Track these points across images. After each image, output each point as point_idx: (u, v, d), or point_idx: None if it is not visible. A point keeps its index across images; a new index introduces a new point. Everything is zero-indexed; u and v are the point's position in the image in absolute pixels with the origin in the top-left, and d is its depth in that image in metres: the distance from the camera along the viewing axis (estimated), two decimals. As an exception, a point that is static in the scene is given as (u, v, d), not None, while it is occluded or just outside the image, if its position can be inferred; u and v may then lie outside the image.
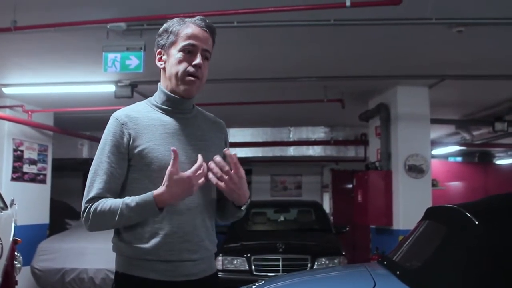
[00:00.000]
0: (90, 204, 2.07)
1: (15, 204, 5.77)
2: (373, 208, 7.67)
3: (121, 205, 2.02)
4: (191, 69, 2.14)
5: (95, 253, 7.17)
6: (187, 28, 2.16)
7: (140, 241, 2.08)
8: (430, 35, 5.40)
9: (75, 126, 10.07)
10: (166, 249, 2.07)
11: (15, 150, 8.33)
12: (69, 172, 13.56)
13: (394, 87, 7.69)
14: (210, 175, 2.10)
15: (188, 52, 2.15)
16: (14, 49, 5.88)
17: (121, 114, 2.17)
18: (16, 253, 5.41)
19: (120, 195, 2.12)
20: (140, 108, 2.22)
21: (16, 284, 5.46)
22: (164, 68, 2.22)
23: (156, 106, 2.23)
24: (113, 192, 2.10)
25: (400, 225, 7.36)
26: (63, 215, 10.69)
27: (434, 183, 8.79)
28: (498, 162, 13.06)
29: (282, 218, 10.14)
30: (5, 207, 5.53)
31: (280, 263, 7.01)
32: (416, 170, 7.49)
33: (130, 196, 2.07)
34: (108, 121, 2.18)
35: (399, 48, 5.98)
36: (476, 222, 2.78)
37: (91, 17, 4.78)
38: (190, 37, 2.15)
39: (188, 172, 2.01)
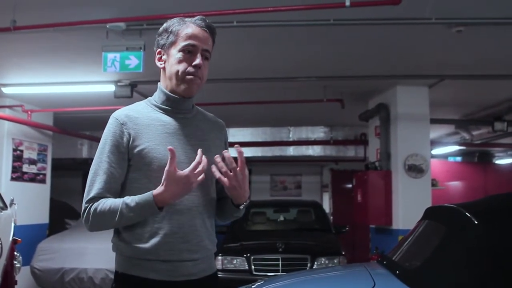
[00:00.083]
0: (90, 204, 2.07)
1: (14, 204, 5.76)
2: (373, 208, 7.67)
3: (121, 205, 2.03)
4: (191, 69, 2.14)
5: (94, 253, 7.17)
6: (187, 28, 2.16)
7: (140, 241, 2.08)
8: (429, 35, 5.40)
9: (74, 126, 10.07)
10: (166, 249, 2.07)
11: (14, 150, 8.33)
12: (69, 172, 13.55)
13: (394, 87, 7.69)
14: (214, 169, 2.10)
15: (188, 52, 2.15)
16: (14, 49, 5.88)
17: (120, 114, 2.17)
18: (15, 253, 5.41)
19: (120, 195, 2.12)
20: (139, 108, 2.22)
21: (16, 284, 5.46)
22: (164, 68, 2.22)
23: (155, 106, 2.23)
24: (113, 192, 2.11)
25: (399, 225, 7.36)
26: (63, 215, 10.70)
27: (434, 183, 8.79)
28: (498, 162, 13.07)
29: (281, 218, 10.14)
30: (4, 207, 5.53)
31: (280, 263, 7.01)
32: (415, 170, 7.49)
33: (130, 195, 2.08)
34: (107, 121, 2.18)
35: (399, 48, 5.98)
36: (476, 222, 2.78)
37: (91, 17, 4.78)
38: (190, 37, 2.15)
39: (186, 170, 2.01)
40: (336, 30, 5.29)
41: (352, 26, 5.04)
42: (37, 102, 8.47)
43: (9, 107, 8.18)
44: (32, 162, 8.71)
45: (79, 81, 7.17)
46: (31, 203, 8.38)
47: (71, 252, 7.48)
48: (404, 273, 3.02)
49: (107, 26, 4.90)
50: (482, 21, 4.89)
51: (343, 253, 7.29)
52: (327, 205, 14.33)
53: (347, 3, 4.22)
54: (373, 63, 6.59)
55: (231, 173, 2.10)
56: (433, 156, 9.55)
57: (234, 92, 7.98)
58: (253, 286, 3.50)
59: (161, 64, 2.23)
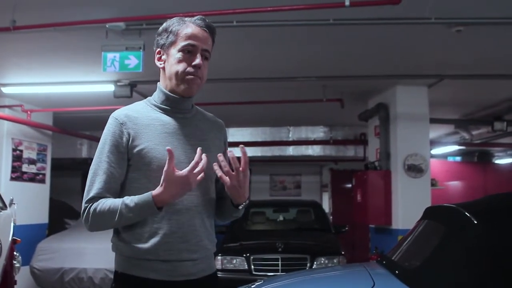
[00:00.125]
0: (90, 204, 2.07)
1: (14, 203, 5.76)
2: (372, 207, 7.67)
3: (120, 205, 2.02)
4: (190, 69, 2.14)
5: (94, 253, 7.16)
6: (187, 28, 2.16)
7: (140, 241, 2.08)
8: (429, 34, 5.40)
9: (74, 126, 10.06)
10: (165, 248, 2.07)
11: (14, 150, 8.33)
12: (69, 172, 13.54)
13: (393, 86, 7.69)
14: (216, 167, 2.11)
15: (188, 52, 2.15)
16: (13, 48, 5.88)
17: (120, 113, 2.17)
18: (15, 253, 5.41)
19: (120, 195, 2.12)
20: (139, 108, 2.22)
21: (15, 283, 5.46)
22: (163, 68, 2.22)
23: (155, 105, 2.23)
24: (113, 191, 2.11)
25: (399, 224, 7.36)
26: (62, 214, 10.69)
27: (433, 183, 8.79)
28: (497, 161, 13.07)
29: (281, 218, 10.14)
30: (4, 207, 5.53)
31: (279, 262, 7.01)
32: (415, 169, 7.50)
33: (130, 195, 2.08)
34: (107, 120, 2.18)
35: (398, 48, 5.98)
36: (475, 222, 2.78)
37: (90, 17, 4.78)
38: (190, 37, 2.15)
39: (185, 171, 2.00)
40: (335, 30, 5.28)
41: (352, 26, 5.04)
42: (36, 102, 8.47)
43: (9, 106, 8.18)
44: (31, 162, 8.71)
45: (78, 81, 7.16)
46: (31, 203, 8.37)
47: (70, 252, 7.48)
48: (404, 272, 3.02)
49: (107, 26, 4.90)
50: (482, 21, 4.89)
51: (343, 253, 7.29)
52: (326, 205, 14.33)
53: (347, 3, 4.22)
54: (373, 63, 6.59)
55: (233, 173, 2.10)
56: (432, 156, 9.55)
57: (234, 92, 7.98)
58: (252, 286, 3.50)
59: (160, 64, 2.23)
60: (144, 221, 2.07)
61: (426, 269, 2.90)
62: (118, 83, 7.08)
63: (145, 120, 2.16)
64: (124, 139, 2.12)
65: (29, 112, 8.26)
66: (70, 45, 5.71)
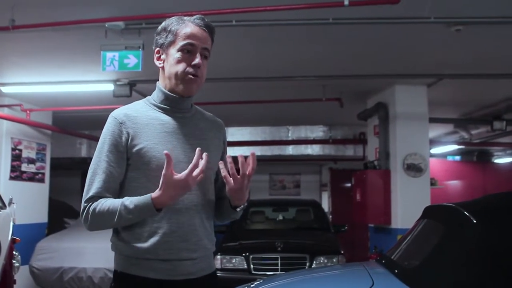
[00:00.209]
0: (90, 204, 2.07)
1: (13, 203, 5.76)
2: (372, 207, 7.67)
3: (120, 206, 2.02)
4: (190, 69, 2.14)
5: (93, 252, 7.16)
6: (186, 28, 2.16)
7: (139, 240, 2.08)
8: (428, 34, 5.40)
9: (73, 125, 10.06)
10: (165, 248, 2.07)
11: (13, 149, 8.32)
12: (68, 171, 13.55)
13: (393, 86, 7.69)
14: (221, 166, 2.11)
15: (187, 52, 2.15)
16: (12, 48, 5.87)
17: (119, 113, 2.17)
18: (14, 252, 5.41)
19: (119, 194, 2.13)
20: (138, 107, 2.22)
21: (15, 283, 5.46)
22: (162, 67, 2.22)
23: (154, 105, 2.22)
24: (112, 191, 2.11)
25: (398, 224, 7.36)
26: (62, 214, 10.68)
27: (433, 182, 8.80)
28: (497, 161, 13.07)
29: (280, 217, 10.14)
30: (3, 206, 5.53)
31: (279, 262, 7.01)
32: (414, 169, 7.50)
33: (129, 195, 2.08)
34: (106, 120, 2.18)
35: (398, 47, 5.98)
36: (475, 221, 2.78)
37: (89, 16, 4.78)
38: (189, 36, 2.14)
39: (184, 174, 1.99)
40: (335, 30, 5.29)
41: (351, 25, 5.04)
42: (36, 101, 8.47)
43: (8, 106, 8.18)
44: (31, 161, 8.71)
45: (78, 80, 7.16)
46: (30, 203, 8.37)
47: (70, 251, 7.48)
48: (403, 272, 3.02)
49: (106, 25, 4.90)
50: (481, 20, 4.89)
51: (342, 252, 7.29)
52: (326, 204, 14.34)
53: (346, 2, 4.22)
54: (372, 62, 6.59)
55: (239, 176, 2.10)
56: (432, 155, 9.55)
57: (233, 92, 7.98)
58: (252, 285, 3.50)
59: (159, 64, 2.23)
60: (144, 220, 2.07)
61: (425, 268, 2.90)
62: (118, 83, 7.08)
63: (145, 120, 2.16)
64: (124, 138, 2.12)
65: (28, 112, 8.26)
66: (69, 45, 5.70)
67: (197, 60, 2.14)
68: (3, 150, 8.16)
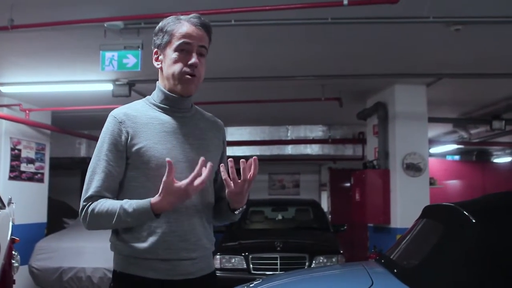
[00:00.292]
0: (89, 203, 2.07)
1: (12, 203, 5.76)
2: (371, 206, 7.67)
3: (119, 209, 2.02)
4: (187, 69, 2.14)
5: (93, 252, 7.16)
6: (182, 27, 2.15)
7: (138, 240, 2.07)
8: (427, 33, 5.40)
9: (72, 125, 10.06)
10: (164, 247, 2.07)
11: (12, 149, 8.32)
12: (67, 171, 13.55)
13: (392, 85, 7.70)
14: (222, 168, 2.11)
15: (184, 51, 2.14)
16: (11, 48, 5.87)
17: (119, 112, 2.17)
18: (13, 252, 5.41)
19: (118, 193, 2.13)
20: (138, 107, 2.22)
21: (14, 283, 5.46)
22: (161, 68, 2.22)
23: (154, 104, 2.22)
24: (111, 190, 2.11)
25: (397, 223, 7.37)
26: (61, 214, 10.68)
27: (432, 182, 8.80)
28: (496, 160, 13.08)
29: (280, 217, 10.14)
30: (2, 206, 5.53)
31: (278, 261, 7.01)
32: (413, 168, 7.50)
33: (128, 194, 2.08)
34: (106, 119, 2.18)
35: (397, 47, 5.98)
36: (474, 221, 2.79)
37: (89, 16, 4.77)
38: (184, 36, 2.14)
39: (184, 183, 1.98)
40: (334, 29, 5.29)
41: (350, 25, 5.04)
42: (35, 101, 8.46)
43: (7, 106, 8.18)
44: (30, 161, 8.70)
45: (77, 80, 7.16)
46: (29, 202, 8.37)
47: (69, 251, 7.47)
48: (402, 271, 3.02)
49: (105, 25, 4.90)
50: (480, 20, 4.89)
51: (341, 251, 7.29)
52: (325, 204, 14.35)
53: (345, 2, 4.22)
54: (371, 62, 6.59)
55: (239, 181, 2.10)
56: (431, 155, 9.56)
57: (232, 91, 7.98)
58: (251, 285, 3.50)
59: (158, 65, 2.23)
60: (143, 220, 2.08)
61: (425, 268, 2.90)
62: (117, 82, 7.08)
63: (144, 119, 2.16)
64: (123, 137, 2.11)
65: (27, 111, 8.26)
66: (68, 44, 5.70)
67: (193, 59, 2.14)
68: (2, 150, 8.15)
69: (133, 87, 7.12)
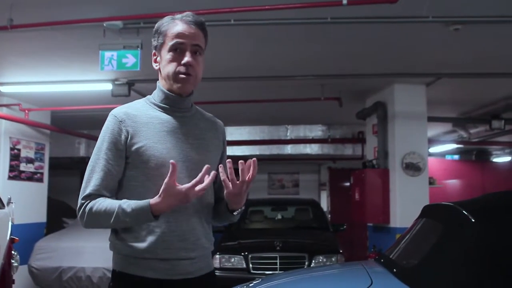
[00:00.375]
0: (87, 201, 2.07)
1: (12, 202, 5.76)
2: (370, 206, 7.67)
3: (117, 208, 2.02)
4: (181, 68, 2.14)
5: (92, 251, 7.16)
6: (175, 27, 2.16)
7: (137, 239, 2.07)
8: (426, 33, 5.40)
9: (72, 125, 10.06)
10: (163, 247, 2.07)
11: (12, 149, 8.32)
12: (67, 171, 13.55)
13: (391, 85, 7.70)
14: (221, 169, 2.10)
15: (177, 51, 2.15)
16: (11, 47, 5.87)
17: (119, 111, 2.17)
18: (13, 252, 5.41)
19: (118, 192, 2.13)
20: (138, 106, 2.22)
21: (13, 283, 5.46)
22: (159, 69, 2.23)
23: (154, 104, 2.23)
24: (110, 189, 2.11)
25: (397, 223, 7.37)
26: (60, 213, 10.67)
27: (431, 181, 8.80)
28: (495, 160, 13.09)
29: (279, 216, 10.13)
30: (2, 206, 5.53)
31: (278, 261, 7.01)
32: (413, 168, 7.50)
33: (128, 193, 2.08)
34: (105, 119, 2.18)
35: (396, 47, 5.98)
36: (473, 220, 2.79)
37: (88, 16, 4.77)
38: (177, 35, 2.15)
39: (185, 187, 1.98)
40: (333, 29, 5.29)
41: (349, 24, 5.03)
42: (34, 101, 8.46)
43: (7, 105, 8.17)
44: (29, 161, 8.70)
45: (76, 79, 7.16)
46: (29, 202, 8.37)
47: (68, 251, 7.47)
48: (402, 271, 3.02)
49: (104, 25, 4.89)
50: (480, 19, 4.89)
51: (341, 251, 7.29)
52: (324, 204, 14.34)
53: (344, 2, 4.22)
54: (371, 62, 6.59)
55: (238, 182, 2.10)
56: (430, 154, 9.55)
57: (232, 91, 7.98)
58: (250, 285, 3.50)
59: (156, 66, 2.24)
60: (142, 220, 2.07)
61: (424, 267, 2.90)
62: (116, 82, 7.07)
63: (144, 118, 2.16)
64: (123, 136, 2.12)
65: (27, 111, 8.26)
66: (67, 44, 5.70)
67: (187, 58, 2.14)
68: (1, 149, 8.15)
69: (132, 86, 7.12)
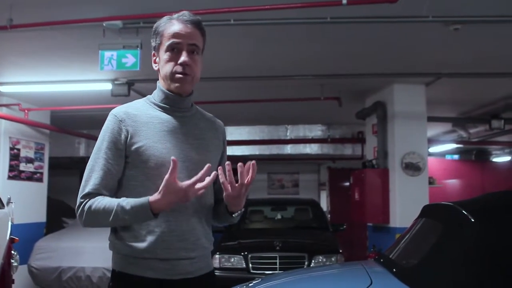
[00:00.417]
0: (86, 200, 2.07)
1: (11, 202, 5.75)
2: (370, 206, 7.67)
3: (116, 206, 2.02)
4: (178, 68, 2.14)
5: (92, 251, 7.16)
6: (171, 27, 2.16)
7: (137, 239, 2.07)
8: (426, 33, 5.40)
9: (72, 125, 10.06)
10: (163, 247, 2.07)
11: (11, 149, 8.32)
12: (66, 171, 13.55)
13: (391, 85, 7.70)
14: (220, 172, 2.09)
15: (174, 51, 2.15)
16: (10, 47, 5.87)
17: (119, 111, 2.17)
18: (13, 252, 5.40)
19: (117, 192, 2.13)
20: (139, 106, 2.22)
21: (13, 282, 5.45)
22: (158, 70, 2.23)
23: (155, 104, 2.23)
24: (109, 188, 2.10)
25: (397, 222, 7.37)
26: (60, 213, 10.68)
27: (431, 181, 8.81)
28: (495, 159, 13.09)
29: (279, 216, 10.13)
30: (1, 206, 5.52)
31: (277, 261, 7.01)
32: (412, 168, 7.50)
33: (127, 193, 2.08)
34: (105, 119, 2.18)
35: (396, 46, 5.98)
36: (473, 220, 2.79)
37: (87, 16, 4.77)
38: (173, 35, 2.15)
39: (185, 184, 1.98)
40: (333, 29, 5.28)
41: (349, 24, 5.03)
42: (34, 101, 8.46)
43: (6, 105, 8.17)
44: (29, 160, 8.70)
45: (76, 79, 7.16)
46: (28, 202, 8.36)
47: (68, 250, 7.47)
48: (401, 271, 3.02)
49: (104, 25, 4.89)
50: (479, 19, 4.89)
51: (341, 251, 7.29)
52: (324, 203, 14.34)
53: (344, 1, 4.22)
54: (370, 61, 6.59)
55: (237, 185, 2.10)
56: (430, 154, 9.56)
57: (231, 91, 7.98)
58: (250, 285, 3.50)
59: (156, 67, 2.25)
60: (142, 219, 2.07)
61: (424, 267, 2.90)
62: (116, 82, 7.07)
63: (144, 118, 2.16)
64: (123, 136, 2.12)
65: (26, 111, 8.26)
66: (67, 44, 5.70)
67: (183, 58, 2.14)
68: (1, 149, 8.15)
69: (132, 86, 7.12)
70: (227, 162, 2.12)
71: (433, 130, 10.80)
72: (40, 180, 8.98)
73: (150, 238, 2.06)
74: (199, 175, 1.99)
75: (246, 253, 7.15)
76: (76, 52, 5.99)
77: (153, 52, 2.25)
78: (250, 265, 7.05)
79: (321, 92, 7.79)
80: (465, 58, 6.31)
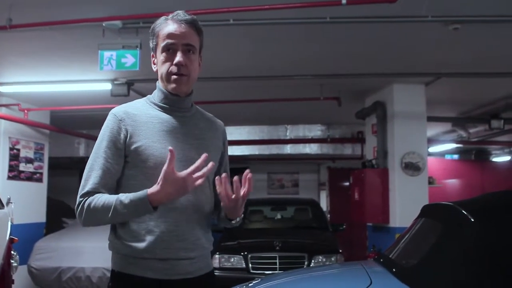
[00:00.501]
0: (85, 199, 2.07)
1: (11, 202, 5.75)
2: (370, 205, 7.67)
3: (115, 201, 2.02)
4: (174, 68, 2.14)
5: (92, 251, 7.15)
6: (166, 27, 2.16)
7: (136, 239, 2.07)
8: (426, 32, 5.40)
9: (71, 125, 10.06)
10: (162, 247, 2.07)
11: (11, 149, 8.31)
12: (66, 171, 13.54)
13: (391, 85, 7.70)
14: (217, 182, 2.10)
15: (170, 51, 2.15)
16: (10, 47, 5.86)
17: (119, 110, 2.17)
18: (12, 252, 5.40)
19: (116, 192, 2.12)
20: (139, 105, 2.23)
21: (13, 283, 5.45)
22: (157, 71, 2.23)
23: (154, 103, 2.23)
24: (108, 187, 2.10)
25: (396, 222, 7.37)
26: (60, 213, 10.66)
27: (431, 181, 8.81)
28: (495, 159, 13.09)
29: (279, 216, 10.13)
30: (1, 206, 5.52)
31: (277, 261, 7.01)
32: (412, 167, 7.50)
33: (127, 192, 2.07)
34: (104, 119, 2.18)
35: (395, 46, 5.97)
36: (472, 220, 2.79)
37: (87, 16, 4.77)
38: (167, 36, 2.15)
39: (184, 173, 1.98)
40: (332, 28, 5.28)
41: (349, 24, 5.03)
42: (33, 101, 8.46)
43: (6, 105, 8.17)
44: (29, 161, 8.70)
45: (75, 79, 7.15)
46: (28, 202, 8.36)
47: (68, 251, 7.47)
48: (401, 271, 3.02)
49: (103, 25, 4.89)
50: (479, 19, 4.89)
51: (340, 251, 7.28)
52: (324, 203, 14.34)
53: (343, 1, 4.22)
54: (370, 61, 6.59)
55: (233, 196, 2.10)
56: (430, 154, 9.56)
57: (231, 91, 7.98)
58: (250, 285, 3.50)
59: (154, 68, 2.25)
60: (141, 219, 2.07)
61: (424, 267, 2.90)
62: (115, 82, 7.07)
63: (144, 118, 2.17)
64: (122, 135, 2.12)
65: (26, 111, 8.26)
66: (67, 44, 5.70)
67: (178, 58, 2.14)
68: (1, 149, 8.15)
69: (131, 86, 7.11)
70: (223, 174, 2.12)
71: (433, 130, 10.80)
72: (39, 180, 8.98)
73: (149, 238, 2.06)
74: (197, 164, 1.98)
75: (246, 253, 7.15)
76: (76, 52, 5.99)
77: (151, 53, 2.25)
78: (250, 265, 7.05)
79: (321, 92, 7.79)
80: (464, 58, 6.31)
